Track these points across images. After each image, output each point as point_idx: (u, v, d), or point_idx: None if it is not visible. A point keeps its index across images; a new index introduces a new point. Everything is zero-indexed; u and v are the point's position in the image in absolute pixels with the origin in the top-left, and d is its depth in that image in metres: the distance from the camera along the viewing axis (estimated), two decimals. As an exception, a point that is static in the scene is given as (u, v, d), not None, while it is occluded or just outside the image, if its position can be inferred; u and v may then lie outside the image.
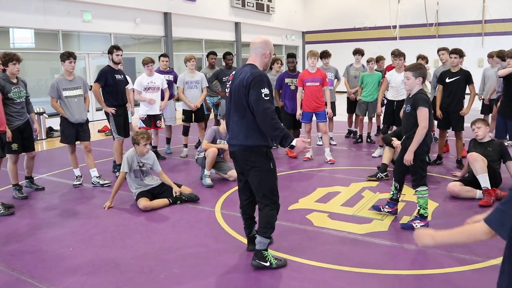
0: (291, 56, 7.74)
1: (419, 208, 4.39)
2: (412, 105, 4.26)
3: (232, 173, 6.19)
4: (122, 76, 6.63)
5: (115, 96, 6.48)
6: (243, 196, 3.75)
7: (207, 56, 8.36)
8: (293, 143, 3.33)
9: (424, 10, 20.63)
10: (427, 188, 4.36)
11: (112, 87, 6.44)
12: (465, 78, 6.43)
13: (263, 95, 3.26)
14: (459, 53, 6.44)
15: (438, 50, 7.68)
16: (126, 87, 6.77)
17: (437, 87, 7.14)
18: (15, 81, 5.51)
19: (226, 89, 3.62)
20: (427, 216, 4.39)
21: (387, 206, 4.72)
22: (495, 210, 1.71)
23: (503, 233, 1.67)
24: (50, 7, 12.11)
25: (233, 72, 3.63)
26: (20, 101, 5.51)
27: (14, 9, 11.26)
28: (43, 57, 12.92)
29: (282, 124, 3.35)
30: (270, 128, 3.29)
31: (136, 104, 7.88)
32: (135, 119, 7.88)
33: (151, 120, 7.37)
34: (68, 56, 5.85)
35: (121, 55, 6.61)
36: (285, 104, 7.57)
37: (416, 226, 4.31)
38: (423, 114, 4.17)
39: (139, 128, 7.34)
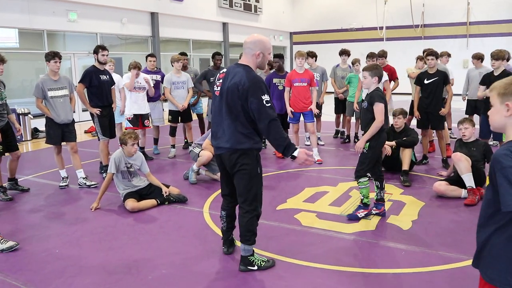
0: (277, 56, 7.77)
1: (362, 197, 4.68)
2: (369, 102, 4.50)
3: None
4: (107, 76, 6.56)
5: (100, 96, 6.39)
6: (229, 199, 3.68)
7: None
8: (295, 153, 3.29)
9: (410, 11, 20.83)
10: (367, 178, 4.67)
11: (97, 87, 6.35)
12: (443, 78, 6.56)
13: (264, 102, 3.20)
14: (435, 54, 6.63)
15: (424, 51, 7.76)
16: (112, 87, 6.71)
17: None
18: None
19: (216, 88, 3.46)
20: (369, 204, 4.71)
21: (374, 208, 4.76)
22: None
23: None
24: (34, 6, 11.96)
25: (223, 70, 3.49)
26: (2, 103, 5.47)
27: (-2, 8, 11.10)
28: (27, 57, 12.75)
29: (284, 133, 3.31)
30: (274, 136, 3.25)
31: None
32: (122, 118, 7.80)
33: (138, 120, 7.31)
34: (53, 56, 5.78)
35: (107, 55, 6.55)
36: (272, 104, 7.58)
37: (360, 215, 4.62)
38: (379, 109, 4.43)
39: (126, 129, 7.28)
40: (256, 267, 3.49)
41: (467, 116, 7.84)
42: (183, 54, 8.56)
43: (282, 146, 3.26)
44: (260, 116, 3.22)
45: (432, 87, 6.58)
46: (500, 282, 1.81)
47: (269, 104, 3.24)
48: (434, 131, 7.29)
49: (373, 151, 4.52)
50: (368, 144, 4.50)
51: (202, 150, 6.11)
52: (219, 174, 6.14)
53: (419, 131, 6.88)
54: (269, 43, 3.46)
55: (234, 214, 3.75)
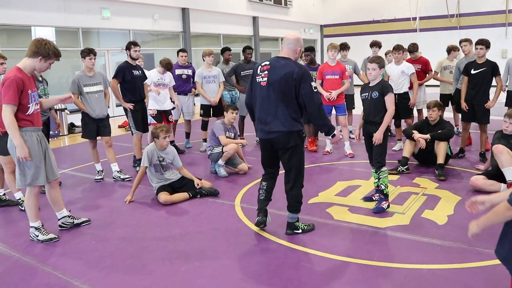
0: (309, 50, 7.70)
1: (383, 188, 4.66)
2: (381, 92, 4.64)
3: (242, 167, 6.30)
4: (140, 71, 6.67)
5: (133, 91, 6.51)
6: (270, 170, 4.16)
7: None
8: (335, 133, 3.95)
9: (445, 0, 20.23)
10: (386, 168, 4.74)
11: (130, 82, 6.47)
12: (491, 69, 6.28)
13: (313, 88, 3.76)
14: (485, 43, 6.29)
15: (460, 42, 7.53)
16: (144, 82, 6.82)
17: (460, 79, 7.03)
18: (40, 79, 5.77)
19: (261, 79, 3.85)
20: (388, 195, 4.73)
21: (376, 194, 4.83)
22: None
23: None
24: (70, 5, 12.28)
25: (266, 63, 3.87)
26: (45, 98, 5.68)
27: (35, 8, 11.46)
28: (64, 55, 12.81)
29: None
30: (321, 118, 3.83)
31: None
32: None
33: (161, 116, 7.39)
34: (88, 52, 5.94)
35: (139, 51, 6.66)
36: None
37: (385, 207, 4.64)
38: (391, 99, 4.62)
39: (149, 124, 7.41)
40: (300, 230, 4.08)
41: (506, 108, 7.57)
42: (227, 49, 8.49)
43: (327, 127, 3.89)
44: (310, 100, 3.74)
45: (479, 78, 6.32)
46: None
47: (316, 90, 3.72)
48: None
49: (386, 140, 4.71)
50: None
51: (223, 147, 6.18)
52: (239, 167, 6.31)
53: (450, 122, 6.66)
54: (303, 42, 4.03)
55: (273, 187, 4.20)
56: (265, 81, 3.81)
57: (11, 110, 3.78)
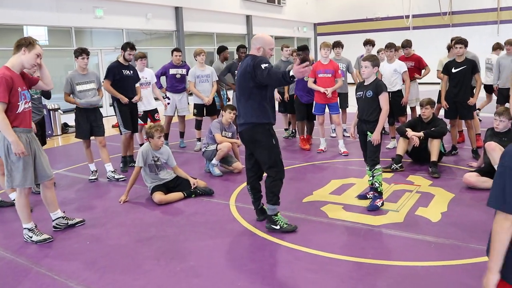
0: (301, 49, 7.73)
1: (377, 186, 4.68)
2: (375, 91, 4.66)
3: (237, 166, 6.30)
4: (131, 71, 6.62)
5: (122, 91, 6.45)
6: (251, 173, 4.26)
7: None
8: (291, 73, 3.63)
9: (438, -2, 20.34)
10: (380, 166, 4.76)
11: (119, 82, 6.43)
12: (471, 67, 6.39)
13: (263, 67, 3.77)
14: (464, 42, 6.41)
15: (452, 40, 7.58)
16: (137, 84, 6.80)
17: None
18: None
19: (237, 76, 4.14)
20: (382, 192, 4.77)
21: (371, 192, 4.87)
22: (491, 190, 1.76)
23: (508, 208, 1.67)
24: (62, 4, 12.21)
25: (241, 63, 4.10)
26: (37, 97, 5.67)
27: (27, 7, 11.38)
28: (56, 54, 13.04)
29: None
30: (275, 78, 3.75)
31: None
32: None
33: (147, 116, 7.38)
34: (80, 52, 5.91)
35: (133, 55, 6.67)
36: (296, 94, 7.65)
37: (379, 204, 4.66)
38: (385, 98, 4.66)
39: (138, 125, 7.41)
40: (278, 227, 4.07)
41: (502, 105, 7.65)
42: (225, 48, 8.42)
43: (280, 78, 3.70)
44: (262, 76, 3.77)
45: (460, 76, 6.43)
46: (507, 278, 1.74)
47: (267, 66, 3.79)
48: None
49: (381, 138, 4.72)
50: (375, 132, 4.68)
51: (217, 145, 6.18)
52: (233, 165, 6.31)
53: (447, 121, 6.73)
54: (270, 39, 4.09)
55: (257, 186, 4.30)
56: (237, 77, 4.12)
57: (1, 108, 3.76)
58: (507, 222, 1.70)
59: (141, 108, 7.26)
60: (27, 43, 3.89)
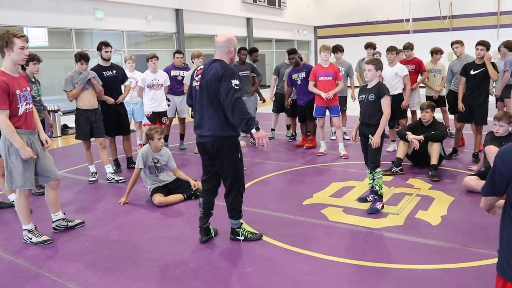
0: (292, 52, 7.78)
1: (377, 189, 4.69)
2: (377, 94, 4.67)
3: None
4: (113, 72, 6.51)
5: (106, 92, 6.34)
6: (207, 186, 3.96)
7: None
8: (253, 130, 3.49)
9: (438, 2, 20.37)
10: (380, 169, 4.78)
11: (102, 84, 6.30)
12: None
13: (233, 85, 3.49)
14: (486, 45, 6.30)
15: (452, 44, 7.59)
16: (126, 83, 6.73)
17: (453, 80, 7.15)
18: (33, 80, 5.79)
19: (196, 83, 3.76)
20: (383, 196, 4.76)
21: (371, 195, 4.87)
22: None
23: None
24: (63, 6, 12.22)
25: (201, 67, 3.80)
26: (38, 99, 5.68)
27: (27, 9, 11.39)
28: (56, 56, 13.05)
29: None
30: (237, 112, 3.47)
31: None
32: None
33: (156, 117, 7.32)
34: (79, 58, 5.88)
35: (111, 52, 6.54)
36: (241, 88, 7.68)
37: (379, 207, 4.66)
38: (387, 102, 4.67)
39: (144, 125, 7.39)
40: (242, 237, 3.97)
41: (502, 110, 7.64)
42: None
43: (245, 119, 3.47)
44: (226, 96, 3.49)
45: (478, 79, 6.33)
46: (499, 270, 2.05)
47: (238, 88, 3.52)
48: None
49: (382, 141, 4.73)
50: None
51: None
52: None
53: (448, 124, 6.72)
54: (235, 40, 3.84)
55: (211, 201, 3.99)
56: (198, 85, 3.72)
57: (5, 115, 3.75)
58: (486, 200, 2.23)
59: (152, 109, 7.24)
60: (5, 43, 3.75)
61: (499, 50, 7.83)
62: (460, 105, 6.53)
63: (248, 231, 4.03)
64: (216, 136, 3.67)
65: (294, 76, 7.68)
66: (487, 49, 6.32)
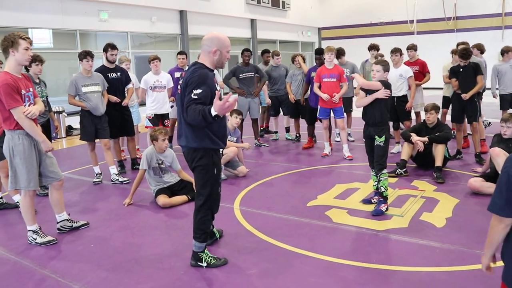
0: (318, 52, 7.78)
1: (383, 190, 4.67)
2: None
3: (242, 169, 6.29)
4: (117, 74, 6.54)
5: (110, 94, 6.37)
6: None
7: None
8: (213, 112, 3.04)
9: (442, 3, 20.30)
10: (386, 171, 4.77)
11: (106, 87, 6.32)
12: (473, 69, 6.43)
13: (192, 95, 3.13)
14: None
15: (458, 45, 7.58)
16: (128, 87, 6.72)
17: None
18: (37, 81, 5.79)
19: (179, 87, 3.39)
20: (387, 197, 4.75)
21: (376, 197, 4.88)
22: (493, 196, 1.94)
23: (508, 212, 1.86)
24: (67, 7, 12.27)
25: (186, 69, 3.49)
26: (43, 100, 5.68)
27: (32, 10, 11.44)
28: (61, 57, 13.10)
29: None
30: (191, 116, 3.12)
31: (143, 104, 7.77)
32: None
33: (158, 120, 7.31)
34: (85, 55, 5.93)
35: (116, 54, 6.55)
36: (203, 97, 7.64)
37: (384, 209, 4.64)
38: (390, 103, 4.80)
39: (146, 127, 7.39)
40: (205, 264, 3.53)
41: (506, 110, 7.62)
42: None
43: (199, 117, 3.07)
44: (186, 107, 3.15)
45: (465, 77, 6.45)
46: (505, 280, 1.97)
47: (196, 97, 3.12)
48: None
49: (388, 143, 4.73)
50: (384, 137, 4.69)
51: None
52: (238, 169, 6.27)
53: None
54: (227, 40, 3.40)
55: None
56: (180, 89, 3.35)
57: (22, 110, 3.84)
58: (501, 224, 1.99)
59: (154, 111, 7.24)
60: (11, 44, 3.84)
61: (502, 53, 7.84)
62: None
63: (212, 257, 3.57)
64: (190, 147, 3.36)
65: (313, 74, 7.58)
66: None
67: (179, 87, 3.40)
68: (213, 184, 3.45)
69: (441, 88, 8.18)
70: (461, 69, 6.54)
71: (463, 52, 6.45)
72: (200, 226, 3.49)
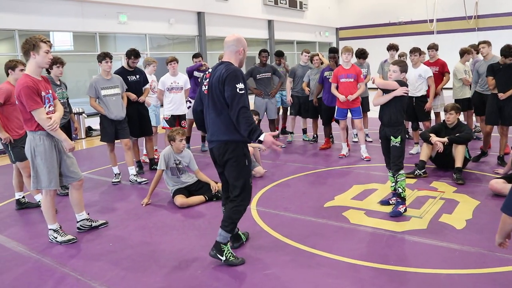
0: (332, 51, 7.76)
1: (400, 191, 4.64)
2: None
3: (259, 170, 6.27)
4: (136, 76, 6.65)
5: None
6: (225, 194, 3.84)
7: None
8: (261, 137, 3.30)
9: (463, 2, 19.97)
10: (403, 171, 4.73)
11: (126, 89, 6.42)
12: None
13: (237, 90, 3.33)
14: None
15: (479, 44, 7.45)
16: (145, 87, 6.80)
17: (479, 81, 7.05)
18: (58, 83, 5.89)
19: (204, 87, 3.58)
20: (405, 198, 4.71)
21: (393, 198, 4.83)
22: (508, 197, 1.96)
23: None
24: (87, 10, 12.46)
25: (209, 70, 3.64)
26: (63, 102, 5.80)
27: (53, 14, 11.66)
28: (81, 59, 13.31)
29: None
30: (242, 121, 3.32)
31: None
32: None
33: (175, 120, 7.35)
34: (104, 56, 6.03)
35: (137, 63, 6.70)
36: (246, 93, 7.64)
37: (402, 210, 4.59)
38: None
39: (163, 128, 7.45)
40: (224, 258, 3.56)
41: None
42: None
43: (248, 130, 3.31)
44: (232, 102, 3.34)
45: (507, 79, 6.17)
46: None
47: (243, 92, 3.36)
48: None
49: (404, 143, 4.71)
50: (399, 137, 4.65)
51: None
52: (255, 169, 6.23)
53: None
54: (245, 41, 3.70)
55: None
56: (207, 89, 3.55)
57: (44, 113, 3.93)
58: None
59: (170, 112, 7.30)
60: (32, 47, 3.92)
61: None
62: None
63: (232, 254, 3.61)
64: (220, 141, 3.51)
65: (326, 73, 7.59)
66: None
67: (205, 88, 3.58)
68: (246, 174, 3.59)
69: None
70: (500, 67, 6.26)
71: (507, 50, 6.13)
72: (232, 215, 3.57)
